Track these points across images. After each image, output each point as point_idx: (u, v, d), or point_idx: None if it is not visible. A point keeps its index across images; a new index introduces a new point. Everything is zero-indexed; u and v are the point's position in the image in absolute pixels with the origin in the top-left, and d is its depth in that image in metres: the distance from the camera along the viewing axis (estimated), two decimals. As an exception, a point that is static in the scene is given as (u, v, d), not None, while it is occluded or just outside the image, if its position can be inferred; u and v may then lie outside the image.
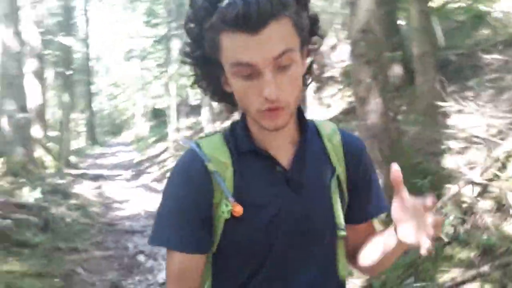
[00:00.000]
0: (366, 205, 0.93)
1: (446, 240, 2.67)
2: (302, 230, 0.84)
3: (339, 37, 15.28)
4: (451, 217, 2.79)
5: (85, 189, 8.45)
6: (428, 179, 3.27)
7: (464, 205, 2.87)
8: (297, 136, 0.87)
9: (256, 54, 0.71)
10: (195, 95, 15.56)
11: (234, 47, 0.72)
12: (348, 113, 7.48)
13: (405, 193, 0.73)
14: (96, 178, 10.41)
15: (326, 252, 0.87)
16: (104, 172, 11.75)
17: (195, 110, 14.73)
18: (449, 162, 3.54)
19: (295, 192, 0.84)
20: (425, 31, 5.54)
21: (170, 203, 0.83)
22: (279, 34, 0.72)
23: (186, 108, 15.08)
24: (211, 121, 11.22)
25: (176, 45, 12.12)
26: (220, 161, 0.82)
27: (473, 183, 2.90)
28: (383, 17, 4.25)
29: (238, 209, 0.79)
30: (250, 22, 0.69)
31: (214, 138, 0.87)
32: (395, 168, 0.73)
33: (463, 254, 2.61)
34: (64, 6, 16.97)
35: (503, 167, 3.14)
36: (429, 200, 0.68)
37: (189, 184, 0.82)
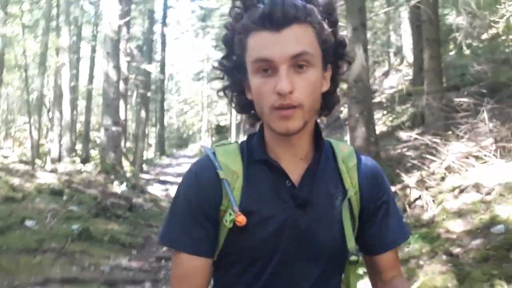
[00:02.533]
0: (384, 234, 0.92)
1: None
2: (303, 247, 0.85)
3: (391, 65, 16.66)
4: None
5: (155, 190, 10.83)
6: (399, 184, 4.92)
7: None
8: (311, 154, 0.89)
9: (275, 50, 0.77)
10: (253, 115, 17.74)
11: (257, 45, 0.79)
12: (383, 136, 9.00)
13: None
14: (164, 182, 12.85)
15: (326, 273, 0.88)
16: (170, 179, 14.21)
17: (254, 128, 16.88)
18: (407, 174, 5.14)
19: (301, 208, 0.85)
20: (435, 72, 7.08)
21: (180, 205, 0.88)
22: (299, 36, 0.78)
23: (245, 127, 17.32)
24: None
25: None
26: (231, 169, 0.86)
27: (408, 186, 4.54)
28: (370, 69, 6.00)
29: (241, 219, 0.82)
30: (274, 20, 0.77)
31: (231, 146, 0.91)
32: None
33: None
34: (145, 33, 20.24)
35: (442, 180, 4.74)
36: None
37: (199, 188, 0.86)
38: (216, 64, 0.91)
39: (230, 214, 0.83)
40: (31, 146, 13.65)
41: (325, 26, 0.82)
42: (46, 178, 7.70)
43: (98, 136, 23.30)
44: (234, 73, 0.87)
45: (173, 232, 0.86)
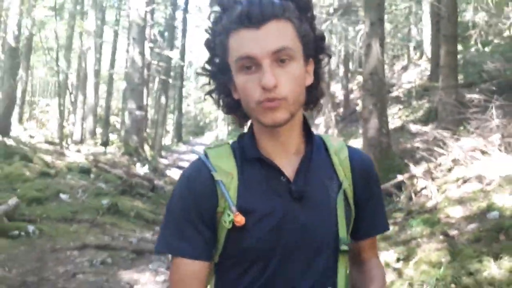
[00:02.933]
0: (371, 222, 0.97)
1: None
2: (303, 241, 0.86)
3: (410, 59, 16.72)
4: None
5: (174, 174, 11.34)
6: (398, 172, 5.26)
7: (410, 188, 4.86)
8: (302, 148, 0.91)
9: (256, 46, 0.79)
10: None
11: (238, 43, 0.81)
12: (397, 130, 9.27)
13: None
14: (181, 168, 13.36)
15: (327, 265, 0.89)
16: (187, 164, 14.73)
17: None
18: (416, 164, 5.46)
19: (298, 202, 0.86)
20: (450, 68, 7.31)
21: (175, 210, 0.88)
22: (279, 32, 0.80)
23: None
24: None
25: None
26: (225, 171, 0.87)
27: (415, 176, 4.88)
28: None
29: (240, 219, 0.83)
30: (252, 18, 0.79)
31: (222, 148, 0.92)
32: None
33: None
34: (167, 19, 20.65)
35: (448, 171, 5.06)
36: None
37: (194, 192, 0.87)
38: (200, 70, 0.93)
39: (229, 215, 0.84)
40: (58, 127, 14.31)
41: (303, 21, 0.84)
42: (74, 157, 8.23)
43: (117, 120, 24.01)
44: (219, 75, 0.89)
45: (170, 237, 0.87)
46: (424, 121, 8.45)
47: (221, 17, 0.85)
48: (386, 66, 14.01)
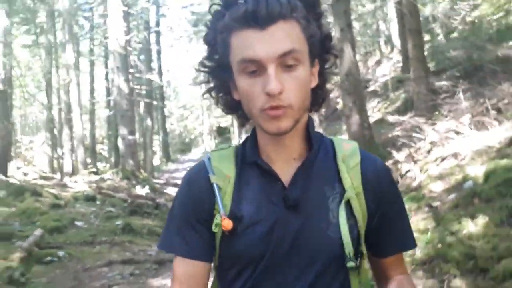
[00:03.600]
0: (393, 238, 0.91)
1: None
2: (295, 250, 0.83)
3: (383, 54, 17.54)
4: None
5: (171, 191, 11.77)
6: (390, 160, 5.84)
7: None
8: (304, 153, 0.87)
9: (261, 50, 0.75)
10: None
11: (242, 44, 0.77)
12: (378, 122, 9.91)
13: None
14: (176, 185, 13.78)
15: (329, 280, 0.84)
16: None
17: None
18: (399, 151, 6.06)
19: (291, 210, 0.83)
20: (419, 60, 7.99)
21: (176, 211, 0.90)
22: (286, 34, 0.76)
23: (246, 126, 18.19)
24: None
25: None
26: (223, 173, 0.87)
27: (398, 161, 5.47)
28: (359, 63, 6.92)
29: (226, 224, 0.82)
30: (258, 18, 0.74)
31: (227, 150, 0.92)
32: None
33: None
34: (142, 44, 21.13)
35: (428, 153, 5.67)
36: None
37: (192, 194, 0.88)
38: (198, 66, 0.89)
39: (217, 218, 0.84)
40: (48, 162, 14.57)
41: (311, 20, 0.81)
42: (77, 187, 8.62)
43: (103, 148, 24.25)
44: (218, 73, 0.86)
45: (171, 237, 0.88)
46: (402, 111, 9.10)
47: (224, 14, 0.81)
48: (360, 63, 14.76)
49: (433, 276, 3.14)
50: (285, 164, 0.86)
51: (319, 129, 12.62)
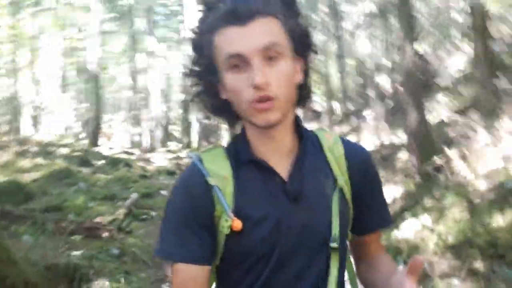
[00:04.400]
0: (373, 216, 0.99)
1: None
2: (302, 242, 0.88)
3: (457, 47, 17.15)
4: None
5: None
6: (439, 155, 6.28)
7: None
8: (295, 147, 0.92)
9: (243, 44, 0.80)
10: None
11: (225, 41, 0.82)
12: (440, 119, 10.14)
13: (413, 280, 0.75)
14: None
15: (325, 266, 0.91)
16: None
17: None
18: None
19: (294, 203, 0.89)
20: (483, 60, 8.16)
21: (172, 217, 0.90)
22: (266, 28, 0.81)
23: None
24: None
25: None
26: (220, 175, 0.88)
27: (450, 159, 5.94)
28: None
29: (237, 224, 0.85)
30: (238, 15, 0.80)
31: (216, 151, 0.93)
32: (418, 260, 0.75)
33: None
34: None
35: (480, 153, 6.05)
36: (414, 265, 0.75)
37: (190, 197, 0.88)
38: (186, 71, 0.92)
39: (226, 220, 0.85)
40: (129, 139, 16.32)
41: (289, 17, 0.86)
42: (157, 162, 9.93)
43: (174, 129, 26.02)
44: (206, 76, 0.90)
45: (168, 243, 0.89)
46: (466, 109, 9.28)
47: (207, 16, 0.86)
48: (430, 56, 14.67)
49: (458, 258, 3.74)
50: (278, 159, 0.90)
51: (382, 121, 12.95)
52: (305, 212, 0.89)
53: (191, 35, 0.89)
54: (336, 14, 15.19)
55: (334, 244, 0.89)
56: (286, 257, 0.88)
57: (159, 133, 16.34)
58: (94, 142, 11.36)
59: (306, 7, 13.86)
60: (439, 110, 11.56)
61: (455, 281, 3.48)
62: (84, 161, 8.05)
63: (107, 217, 4.91)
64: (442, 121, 8.73)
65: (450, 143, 6.81)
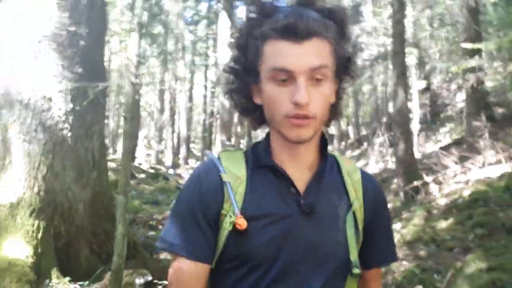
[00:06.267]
0: (378, 249, 1.00)
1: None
2: (306, 256, 0.89)
3: (462, 83, 18.83)
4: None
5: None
6: (418, 180, 8.09)
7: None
8: (316, 164, 0.95)
9: (295, 61, 0.83)
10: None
11: (276, 53, 0.85)
12: (445, 148, 11.91)
13: None
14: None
15: (335, 285, 0.92)
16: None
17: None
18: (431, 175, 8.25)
19: (306, 217, 0.90)
20: (472, 98, 10.01)
21: (181, 209, 0.92)
22: (318, 50, 0.85)
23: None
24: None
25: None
26: (235, 174, 0.91)
27: (426, 182, 7.75)
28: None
29: (241, 222, 0.86)
30: (297, 32, 0.83)
31: (235, 153, 0.97)
32: None
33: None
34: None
35: (452, 178, 7.85)
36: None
37: (201, 192, 0.90)
38: (224, 67, 0.96)
39: (231, 217, 0.87)
40: (155, 156, 18.41)
41: (340, 42, 0.90)
42: (187, 177, 11.91)
43: (193, 147, 28.08)
44: (243, 76, 0.93)
45: (173, 235, 0.91)
46: (452, 143, 11.05)
47: (260, 22, 0.89)
48: (443, 89, 16.40)
49: (410, 249, 5.53)
50: (297, 172, 0.93)
51: (388, 150, 14.68)
52: (315, 229, 0.90)
53: (237, 34, 0.95)
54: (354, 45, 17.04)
55: (356, 270, 0.91)
56: (289, 269, 0.89)
57: (183, 151, 18.35)
58: (132, 158, 13.45)
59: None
60: (445, 139, 13.30)
61: (404, 262, 5.26)
62: (128, 174, 10.09)
63: (158, 216, 6.82)
64: (429, 153, 10.54)
65: (430, 170, 8.61)
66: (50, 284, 3.27)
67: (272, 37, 0.86)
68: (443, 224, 5.69)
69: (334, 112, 0.96)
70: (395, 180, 10.01)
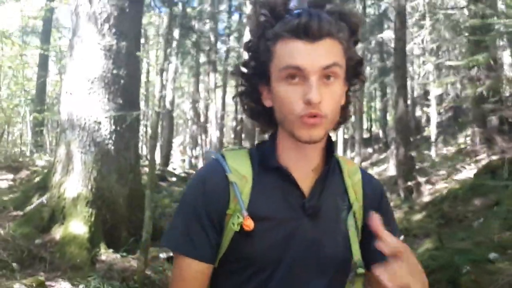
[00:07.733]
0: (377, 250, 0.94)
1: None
2: (309, 258, 0.91)
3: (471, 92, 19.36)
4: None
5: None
6: (412, 181, 9.19)
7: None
8: (321, 166, 0.96)
9: (307, 60, 0.84)
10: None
11: (288, 52, 0.86)
12: (457, 152, 12.84)
13: (387, 235, 0.73)
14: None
15: (338, 286, 0.94)
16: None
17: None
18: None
19: (310, 219, 0.92)
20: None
21: (186, 208, 0.93)
22: (331, 49, 0.86)
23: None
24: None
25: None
26: (240, 174, 0.92)
27: (420, 183, 8.88)
28: (409, 113, 10.30)
29: (249, 223, 0.87)
30: (309, 32, 0.85)
31: (240, 152, 0.98)
32: (374, 217, 0.74)
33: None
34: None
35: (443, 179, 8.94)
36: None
37: (206, 192, 0.91)
38: (234, 70, 0.98)
39: (238, 217, 0.88)
40: (189, 161, 20.09)
41: (351, 44, 0.92)
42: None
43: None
44: (253, 78, 0.95)
45: (177, 235, 0.92)
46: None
47: (272, 23, 0.90)
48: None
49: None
50: (302, 173, 0.94)
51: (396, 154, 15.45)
52: (319, 231, 0.92)
53: (249, 37, 0.95)
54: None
55: (360, 270, 0.93)
56: (293, 270, 0.90)
57: (214, 157, 19.85)
58: (166, 163, 15.09)
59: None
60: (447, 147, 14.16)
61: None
62: (162, 177, 11.57)
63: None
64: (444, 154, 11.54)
65: (424, 171, 9.70)
66: (100, 252, 4.78)
67: (284, 37, 0.87)
68: (417, 217, 6.84)
69: (343, 114, 0.98)
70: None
